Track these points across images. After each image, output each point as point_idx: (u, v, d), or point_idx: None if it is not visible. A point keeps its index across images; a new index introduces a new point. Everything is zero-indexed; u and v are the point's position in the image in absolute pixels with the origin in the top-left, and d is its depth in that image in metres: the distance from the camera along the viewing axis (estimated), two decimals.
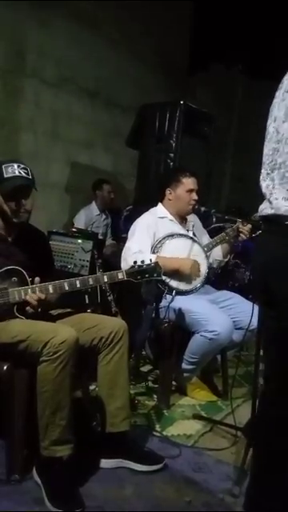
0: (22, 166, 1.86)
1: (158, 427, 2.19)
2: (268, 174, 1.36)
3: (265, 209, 1.36)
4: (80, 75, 4.41)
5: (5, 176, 1.81)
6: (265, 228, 1.41)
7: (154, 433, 2.13)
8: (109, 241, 4.27)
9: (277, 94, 1.37)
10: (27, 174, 1.85)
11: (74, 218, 4.17)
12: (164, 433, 2.14)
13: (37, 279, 1.80)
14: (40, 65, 4.07)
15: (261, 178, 1.40)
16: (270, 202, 1.33)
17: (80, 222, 4.09)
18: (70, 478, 1.61)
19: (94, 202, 4.26)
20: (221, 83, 5.86)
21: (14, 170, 1.82)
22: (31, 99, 4.04)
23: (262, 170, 1.39)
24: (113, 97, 4.74)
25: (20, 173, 1.83)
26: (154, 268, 1.92)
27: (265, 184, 1.37)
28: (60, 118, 4.30)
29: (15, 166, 1.84)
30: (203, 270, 2.57)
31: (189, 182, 2.64)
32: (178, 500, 1.65)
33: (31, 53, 3.98)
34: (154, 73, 5.08)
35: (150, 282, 2.11)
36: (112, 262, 3.15)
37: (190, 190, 2.64)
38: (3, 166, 1.83)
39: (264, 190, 1.37)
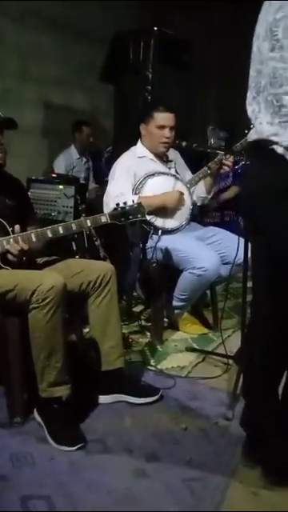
0: None
1: (152, 362, 2.26)
2: (254, 97, 1.28)
3: (251, 135, 1.31)
4: (45, 6, 4.07)
5: None
6: (251, 154, 1.37)
7: (149, 367, 2.21)
8: (92, 185, 4.18)
9: (262, 7, 1.26)
10: None
11: (53, 164, 4.04)
12: (158, 366, 2.22)
13: (17, 227, 1.77)
14: None
15: (247, 102, 1.32)
16: (255, 127, 1.28)
17: (60, 167, 3.96)
18: (69, 416, 1.68)
19: (72, 145, 4.11)
20: (200, 9, 5.46)
21: None
22: None
23: (248, 94, 1.31)
24: (83, 28, 4.41)
25: None
26: (138, 209, 1.89)
27: (251, 108, 1.30)
28: (28, 56, 4.03)
29: None
30: (188, 205, 2.54)
31: (161, 117, 2.46)
32: (174, 427, 1.74)
33: None
34: None
35: (134, 224, 2.08)
36: (97, 206, 3.09)
37: (162, 126, 2.47)
38: None
39: (250, 114, 1.31)
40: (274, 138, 1.22)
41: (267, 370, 1.41)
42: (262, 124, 1.25)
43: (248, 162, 1.94)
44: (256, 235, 1.39)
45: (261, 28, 1.24)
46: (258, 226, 1.35)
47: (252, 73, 1.30)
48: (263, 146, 1.25)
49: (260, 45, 1.24)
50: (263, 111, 1.24)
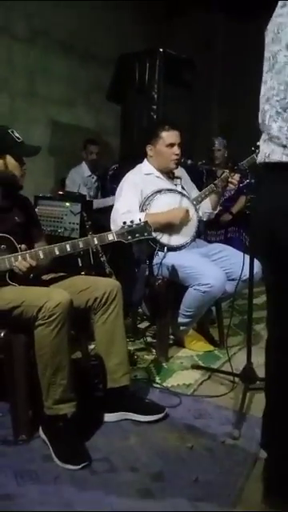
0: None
1: (158, 379, 2.25)
2: (279, 113, 1.17)
3: (274, 154, 1.21)
4: (53, 28, 4.19)
5: (18, 141, 1.85)
6: (271, 175, 1.26)
7: (155, 385, 2.19)
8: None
9: (280, 11, 1.16)
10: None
11: (66, 180, 4.08)
12: (164, 384, 2.20)
13: (23, 246, 1.79)
14: (9, 21, 3.85)
15: (267, 116, 1.21)
16: (285, 147, 1.17)
17: (74, 182, 3.99)
18: (75, 434, 1.67)
19: (83, 163, 4.16)
20: (201, 27, 5.58)
21: (17, 134, 1.87)
22: (3, 57, 3.85)
23: (267, 107, 1.20)
24: (89, 49, 4.52)
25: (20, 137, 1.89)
26: (144, 227, 1.91)
27: (276, 126, 1.18)
28: (36, 76, 4.12)
29: (14, 130, 1.89)
30: (194, 222, 2.56)
31: (168, 136, 2.52)
32: (180, 446, 1.72)
33: None
34: (131, 19, 4.83)
35: (140, 242, 2.10)
36: (103, 221, 3.10)
37: (171, 145, 2.52)
38: (9, 131, 1.86)
39: (276, 132, 1.19)
40: None
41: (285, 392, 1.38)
42: None
43: (253, 180, 1.95)
44: (271, 256, 1.33)
45: None
46: (274, 247, 1.28)
47: (275, 84, 1.18)
48: None
49: None
50: None
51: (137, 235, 1.89)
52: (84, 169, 4.13)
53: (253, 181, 2.07)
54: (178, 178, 2.65)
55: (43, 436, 1.69)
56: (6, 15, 3.82)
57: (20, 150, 1.87)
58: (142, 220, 1.91)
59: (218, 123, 6.37)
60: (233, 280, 2.41)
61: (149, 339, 2.69)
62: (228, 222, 3.67)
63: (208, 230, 3.49)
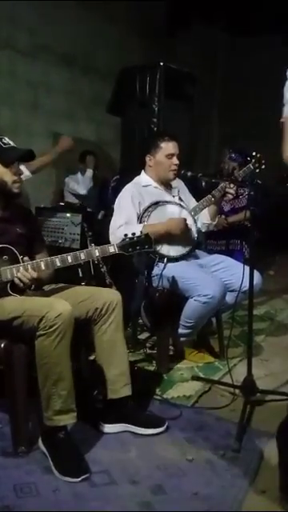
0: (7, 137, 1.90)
1: (158, 391, 2.24)
2: None
3: None
4: (54, 41, 4.26)
5: (4, 147, 1.84)
6: None
7: (155, 396, 2.18)
8: (101, 213, 4.25)
9: None
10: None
11: (66, 186, 4.14)
12: (164, 396, 2.19)
13: (26, 258, 1.80)
14: (12, 34, 3.92)
15: None
16: None
17: (74, 185, 4.08)
18: (74, 446, 1.66)
19: (79, 173, 4.23)
20: (202, 42, 5.68)
21: (7, 141, 1.87)
22: (6, 71, 3.91)
23: None
24: (91, 62, 4.60)
25: (12, 143, 1.87)
26: (145, 239, 1.91)
27: None
28: (38, 89, 4.19)
29: (5, 137, 1.87)
30: (192, 232, 2.57)
31: (168, 147, 2.55)
32: (180, 459, 1.71)
33: (1, 23, 3.82)
34: (132, 34, 4.91)
35: (141, 253, 2.11)
36: (104, 233, 3.12)
37: (170, 155, 2.56)
38: None
39: None
40: None
41: None
42: None
43: (252, 192, 1.96)
44: None
45: None
46: None
47: None
48: None
49: None
50: None
51: (138, 247, 1.89)
52: (79, 179, 4.21)
53: (252, 192, 2.09)
54: (175, 188, 2.67)
55: (42, 447, 1.68)
56: (9, 30, 3.89)
57: (5, 156, 1.84)
58: (141, 231, 1.92)
59: (218, 136, 6.45)
60: (233, 291, 2.42)
61: (149, 350, 2.68)
62: (228, 232, 3.66)
63: (208, 240, 3.50)
